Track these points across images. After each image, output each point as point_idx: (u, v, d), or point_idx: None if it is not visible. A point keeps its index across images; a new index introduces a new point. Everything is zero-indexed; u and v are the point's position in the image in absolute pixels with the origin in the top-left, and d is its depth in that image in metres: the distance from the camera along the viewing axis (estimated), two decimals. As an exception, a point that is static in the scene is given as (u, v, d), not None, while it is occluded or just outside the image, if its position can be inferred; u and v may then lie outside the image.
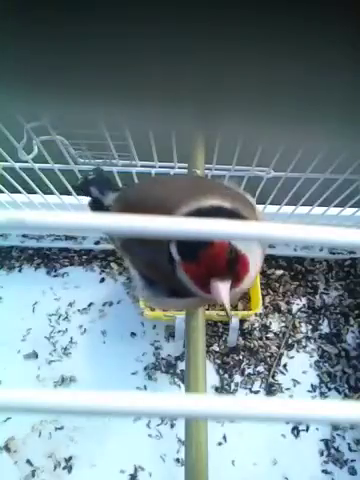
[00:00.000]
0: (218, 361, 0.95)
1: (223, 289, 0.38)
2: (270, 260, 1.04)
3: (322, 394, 0.92)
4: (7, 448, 0.86)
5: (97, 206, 0.59)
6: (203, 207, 0.41)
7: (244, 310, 0.94)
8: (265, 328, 0.99)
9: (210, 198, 0.42)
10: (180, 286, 0.41)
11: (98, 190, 0.60)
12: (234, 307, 0.95)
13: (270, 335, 0.98)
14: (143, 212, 0.16)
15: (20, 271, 1.04)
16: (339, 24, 0.09)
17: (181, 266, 0.40)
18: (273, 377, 0.94)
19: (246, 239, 0.15)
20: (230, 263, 0.38)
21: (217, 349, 0.96)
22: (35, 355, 0.95)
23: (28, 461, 0.86)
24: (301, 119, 0.11)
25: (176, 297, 0.46)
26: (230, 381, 0.93)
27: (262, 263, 0.44)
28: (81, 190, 0.62)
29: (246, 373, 0.94)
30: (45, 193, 0.85)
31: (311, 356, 0.96)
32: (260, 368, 0.95)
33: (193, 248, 0.38)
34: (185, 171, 0.73)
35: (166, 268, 0.41)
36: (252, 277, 0.41)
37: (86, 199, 0.62)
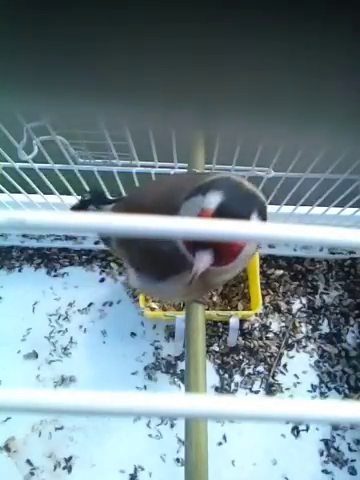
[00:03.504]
0: (218, 361, 0.95)
1: (203, 259, 0.39)
2: (270, 260, 1.04)
3: (322, 394, 0.92)
4: (7, 448, 0.86)
5: None
6: (205, 182, 0.42)
7: (244, 310, 0.94)
8: (265, 328, 0.99)
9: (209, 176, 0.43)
10: (173, 261, 0.43)
11: (95, 206, 0.61)
12: (234, 307, 0.96)
13: (270, 335, 0.98)
14: (143, 210, 0.16)
15: (20, 271, 1.04)
16: (339, 24, 0.09)
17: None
18: (273, 377, 0.94)
19: (246, 239, 0.15)
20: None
21: (217, 349, 0.96)
22: (35, 355, 0.95)
23: (28, 461, 0.86)
24: (301, 119, 0.11)
25: (166, 279, 0.48)
26: (230, 381, 0.93)
27: (254, 255, 0.45)
28: (79, 210, 0.63)
29: (246, 373, 0.94)
30: (45, 193, 0.84)
31: (311, 356, 0.96)
32: (260, 368, 0.95)
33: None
34: (185, 171, 0.73)
35: (162, 248, 0.43)
36: (240, 263, 0.42)
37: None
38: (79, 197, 0.82)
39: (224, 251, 0.39)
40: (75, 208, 0.65)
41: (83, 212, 0.62)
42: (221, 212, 0.38)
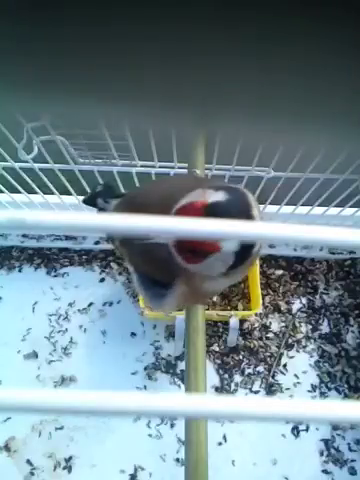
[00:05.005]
0: (218, 361, 0.95)
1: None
2: (270, 260, 1.04)
3: (322, 394, 0.92)
4: (7, 448, 0.86)
5: None
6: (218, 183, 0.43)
7: (244, 310, 0.94)
8: (265, 328, 0.99)
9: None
10: (172, 268, 0.43)
11: (103, 200, 0.61)
12: (234, 307, 0.96)
13: (270, 335, 0.98)
14: (144, 211, 0.16)
15: (20, 271, 1.04)
16: (339, 24, 0.09)
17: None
18: (273, 377, 0.94)
19: (246, 239, 0.15)
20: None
21: (217, 349, 0.96)
22: (35, 355, 0.95)
23: (28, 461, 0.86)
24: (301, 119, 0.11)
25: (170, 287, 0.48)
26: (230, 381, 0.93)
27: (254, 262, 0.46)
28: (89, 203, 0.64)
29: (246, 373, 0.94)
30: (45, 193, 0.84)
31: (311, 356, 0.96)
32: (260, 368, 0.95)
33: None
34: (185, 171, 0.73)
35: (161, 251, 0.43)
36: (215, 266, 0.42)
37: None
38: (79, 197, 0.83)
39: (197, 248, 0.40)
40: (86, 200, 0.66)
41: (85, 210, 0.63)
42: (215, 207, 0.39)
